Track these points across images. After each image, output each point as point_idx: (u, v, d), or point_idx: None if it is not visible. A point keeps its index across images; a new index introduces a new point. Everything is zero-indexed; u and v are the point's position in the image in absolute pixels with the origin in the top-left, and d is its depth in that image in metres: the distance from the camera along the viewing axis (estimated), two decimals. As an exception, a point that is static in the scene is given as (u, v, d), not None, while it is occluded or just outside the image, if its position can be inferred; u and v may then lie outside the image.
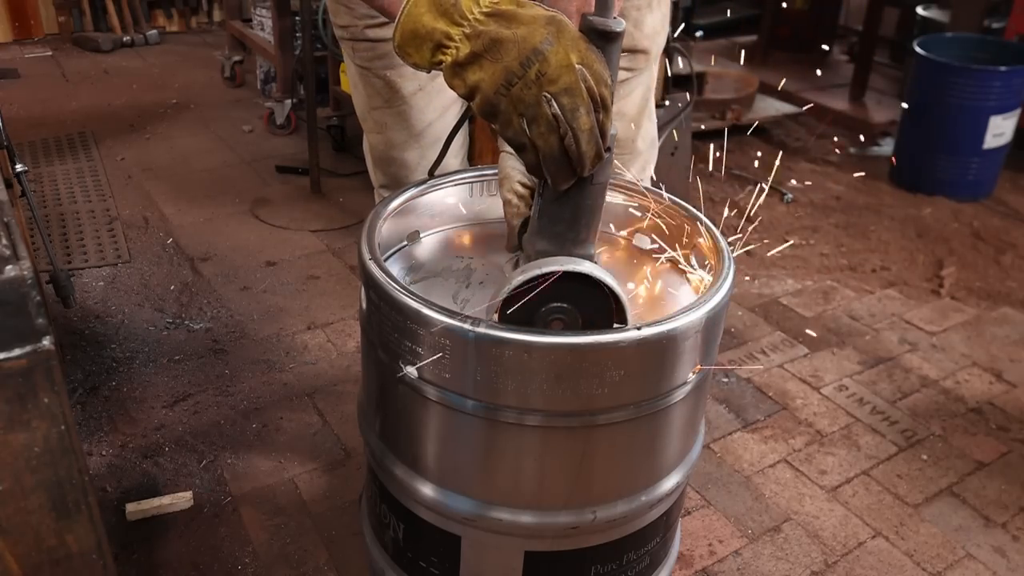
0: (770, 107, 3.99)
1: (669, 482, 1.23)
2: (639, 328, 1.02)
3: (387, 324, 1.08)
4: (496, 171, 1.19)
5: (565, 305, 1.03)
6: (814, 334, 2.52)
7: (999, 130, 3.36)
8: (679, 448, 1.23)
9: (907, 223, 3.24)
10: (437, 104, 1.52)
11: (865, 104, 4.26)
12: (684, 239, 1.30)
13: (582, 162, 0.95)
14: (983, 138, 3.35)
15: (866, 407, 2.25)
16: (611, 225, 1.38)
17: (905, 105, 3.47)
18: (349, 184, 3.32)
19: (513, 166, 1.16)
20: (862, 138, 3.96)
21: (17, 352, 0.78)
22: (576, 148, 0.94)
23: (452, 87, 0.97)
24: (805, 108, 4.00)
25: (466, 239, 1.37)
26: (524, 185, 1.15)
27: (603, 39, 0.95)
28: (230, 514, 1.83)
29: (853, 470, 2.04)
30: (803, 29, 4.86)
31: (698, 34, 4.55)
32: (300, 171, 3.39)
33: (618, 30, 0.96)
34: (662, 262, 1.32)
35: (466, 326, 1.01)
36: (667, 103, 3.08)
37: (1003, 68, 3.28)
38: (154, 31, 5.08)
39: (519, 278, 1.01)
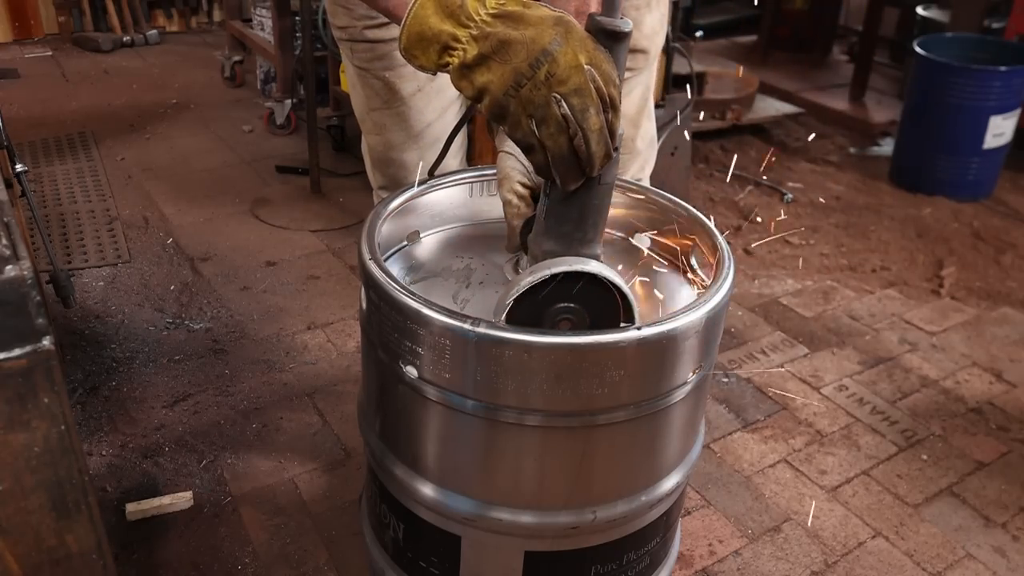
0: (770, 107, 3.99)
1: (669, 482, 1.23)
2: (639, 328, 1.02)
3: (387, 324, 1.08)
4: (496, 171, 1.19)
5: (573, 305, 1.03)
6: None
7: (999, 130, 3.36)
8: (679, 448, 1.23)
9: (907, 223, 3.24)
10: (436, 105, 1.52)
11: (865, 104, 4.26)
12: (684, 239, 1.30)
13: (591, 162, 0.95)
14: (983, 138, 3.35)
15: (866, 407, 2.25)
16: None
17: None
18: (349, 184, 3.32)
19: (512, 166, 1.15)
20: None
21: (17, 352, 0.78)
22: (586, 148, 0.94)
23: (459, 89, 0.97)
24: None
25: (466, 239, 1.37)
26: (524, 185, 1.15)
27: (611, 39, 0.95)
28: (230, 514, 1.83)
29: (853, 470, 2.04)
30: (803, 29, 4.86)
31: (698, 34, 4.54)
32: (300, 171, 3.39)
33: (626, 30, 0.96)
34: (662, 262, 1.32)
35: (466, 326, 1.01)
36: (667, 103, 3.09)
37: (1003, 68, 3.28)
38: (154, 31, 5.08)
39: (528, 278, 1.01)
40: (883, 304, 2.73)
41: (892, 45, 4.80)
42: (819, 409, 2.24)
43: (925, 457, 2.09)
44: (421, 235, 1.35)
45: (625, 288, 1.03)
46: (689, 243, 1.29)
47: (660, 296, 1.24)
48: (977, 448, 2.13)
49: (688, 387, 1.13)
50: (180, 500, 1.82)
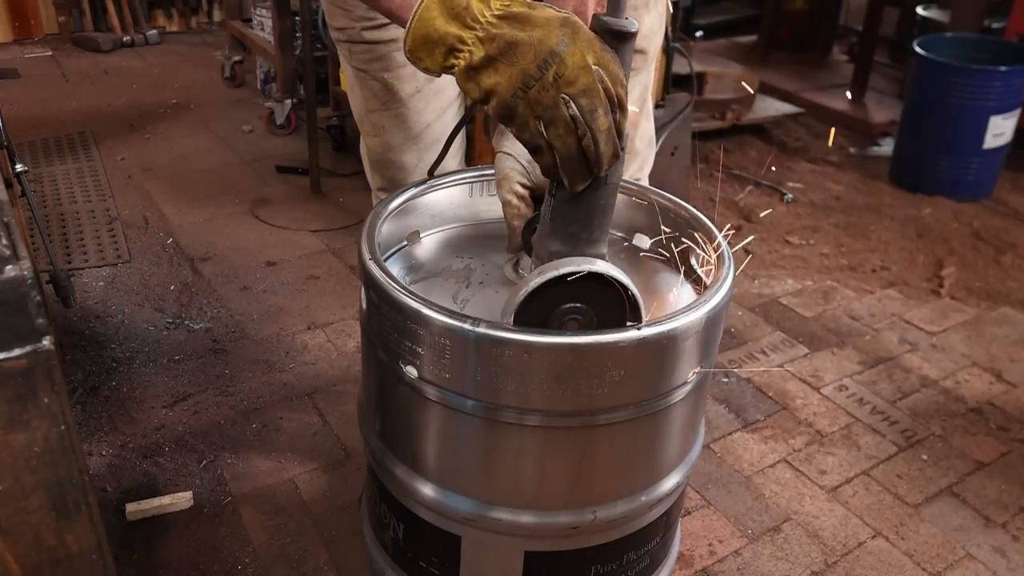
0: (770, 107, 3.99)
1: (669, 482, 1.23)
2: (639, 328, 1.02)
3: (387, 324, 1.08)
4: (494, 172, 1.19)
5: (581, 305, 1.03)
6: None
7: (999, 130, 3.36)
8: (679, 448, 1.23)
9: (907, 223, 3.24)
10: (435, 106, 1.52)
11: (865, 104, 4.26)
12: (683, 239, 1.30)
13: (599, 162, 0.95)
14: (983, 138, 3.35)
15: (866, 407, 2.25)
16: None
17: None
18: (349, 184, 3.32)
19: (511, 167, 1.15)
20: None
21: (17, 352, 0.78)
22: (594, 148, 0.94)
23: (465, 91, 0.96)
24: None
25: (466, 239, 1.37)
26: (523, 186, 1.15)
27: (617, 39, 0.95)
28: (230, 514, 1.83)
29: (853, 470, 2.04)
30: (803, 29, 4.86)
31: (698, 34, 4.54)
32: (300, 171, 3.39)
33: (632, 30, 0.96)
34: (662, 262, 1.32)
35: (466, 326, 1.01)
36: (667, 103, 3.09)
37: (1003, 68, 3.28)
38: (154, 31, 5.08)
39: (536, 279, 1.01)
40: (883, 304, 2.73)
41: (892, 45, 4.80)
42: (819, 409, 2.24)
43: (925, 457, 2.09)
44: (421, 235, 1.35)
45: (632, 287, 1.04)
46: (689, 243, 1.29)
47: (660, 296, 1.24)
48: (977, 448, 2.13)
49: (688, 387, 1.13)
50: (180, 500, 1.82)
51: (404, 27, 0.98)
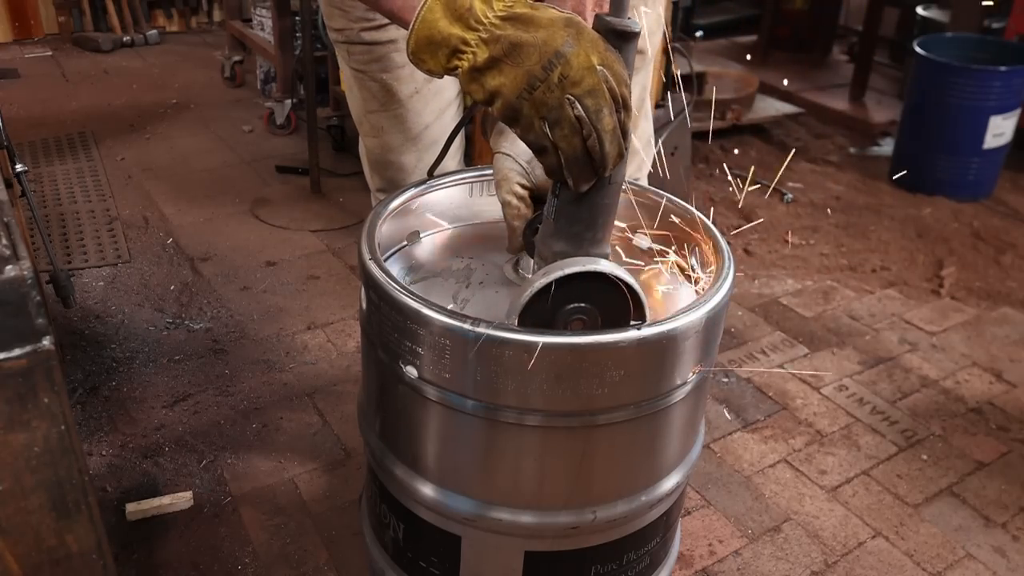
0: (770, 107, 3.99)
1: (669, 482, 1.23)
2: (639, 328, 1.02)
3: (387, 324, 1.08)
4: (492, 172, 1.19)
5: (586, 305, 1.03)
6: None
7: (999, 130, 3.36)
8: (679, 448, 1.23)
9: (907, 223, 3.24)
10: (434, 107, 1.51)
11: (865, 104, 4.26)
12: (683, 239, 1.30)
13: (605, 162, 0.95)
14: (983, 138, 3.35)
15: (866, 407, 2.25)
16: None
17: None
18: (349, 184, 3.32)
19: (510, 167, 1.15)
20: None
21: (17, 352, 0.78)
22: (600, 149, 0.94)
23: (469, 92, 0.96)
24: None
25: (466, 239, 1.37)
26: (523, 186, 1.15)
27: (620, 39, 0.95)
28: (230, 514, 1.83)
29: (853, 470, 2.04)
30: (803, 29, 4.86)
31: (698, 34, 4.54)
32: (300, 171, 3.39)
33: (636, 30, 0.96)
34: (662, 262, 1.32)
35: (466, 326, 1.01)
36: (667, 103, 3.09)
37: (1003, 68, 3.28)
38: (154, 31, 5.08)
39: (541, 280, 1.01)
40: (883, 304, 2.73)
41: (892, 45, 4.80)
42: (819, 409, 2.24)
43: (925, 457, 2.09)
44: (421, 235, 1.35)
45: (637, 287, 1.04)
46: (688, 243, 1.29)
47: (660, 296, 1.24)
48: (977, 448, 2.13)
49: (688, 387, 1.13)
50: (180, 500, 1.82)
51: (405, 28, 0.97)
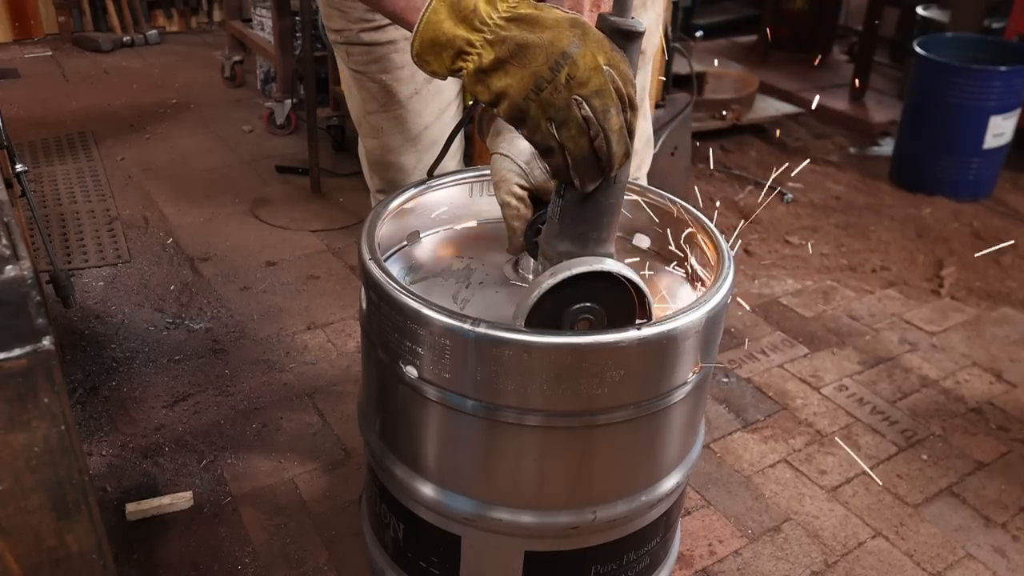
0: (770, 107, 3.99)
1: (669, 482, 1.23)
2: (639, 328, 1.02)
3: (387, 324, 1.08)
4: (490, 173, 1.19)
5: (593, 305, 1.03)
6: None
7: (999, 130, 3.36)
8: (679, 448, 1.23)
9: (907, 223, 3.24)
10: (434, 107, 1.51)
11: (865, 104, 4.26)
12: (684, 239, 1.30)
13: (611, 162, 0.95)
14: (983, 138, 3.35)
15: (866, 407, 2.25)
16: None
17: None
18: (349, 184, 3.32)
19: (509, 168, 1.15)
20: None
21: (17, 352, 0.78)
22: (607, 149, 0.94)
23: (475, 93, 0.96)
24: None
25: (466, 239, 1.37)
26: (521, 187, 1.15)
27: (625, 39, 0.96)
28: (230, 514, 1.83)
29: (853, 470, 2.04)
30: (803, 29, 4.86)
31: (698, 34, 4.54)
32: (300, 171, 3.39)
33: (640, 30, 0.96)
34: (661, 262, 1.32)
35: (466, 326, 1.01)
36: (667, 103, 3.09)
37: (1003, 68, 3.28)
38: (154, 31, 5.08)
39: (549, 280, 1.01)
40: (883, 304, 2.73)
41: (892, 45, 4.80)
42: (819, 409, 2.24)
43: (925, 457, 2.09)
44: (421, 235, 1.35)
45: (643, 286, 1.04)
46: (688, 243, 1.29)
47: (660, 296, 1.24)
48: (977, 448, 2.13)
49: (688, 387, 1.13)
50: (180, 500, 1.82)
51: (409, 30, 0.97)
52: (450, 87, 1.53)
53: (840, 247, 3.05)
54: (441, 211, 1.37)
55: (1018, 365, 2.46)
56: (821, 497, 1.95)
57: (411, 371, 1.09)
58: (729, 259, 1.17)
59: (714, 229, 1.24)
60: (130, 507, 1.79)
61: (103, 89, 4.33)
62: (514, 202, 1.14)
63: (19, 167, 1.79)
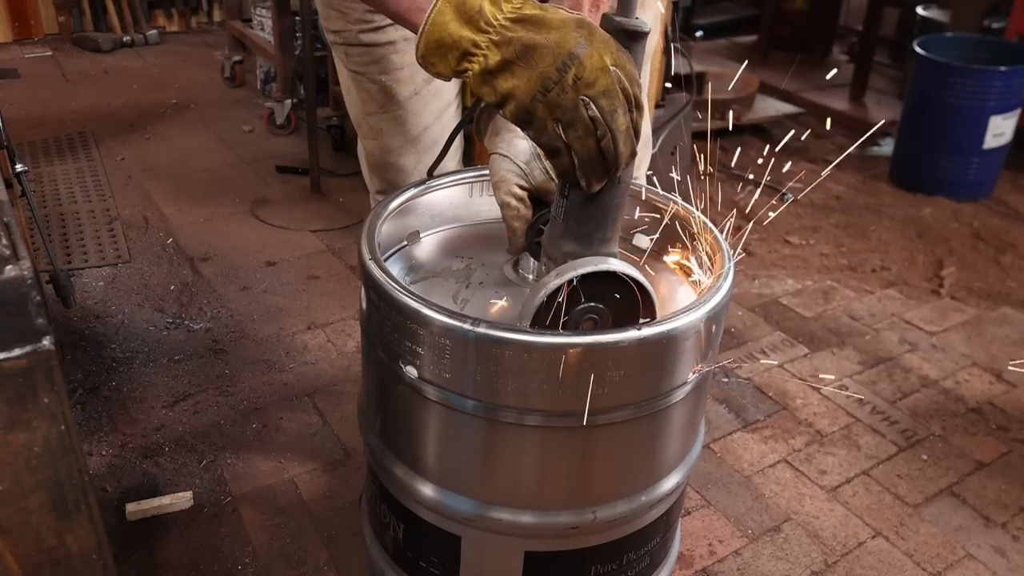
0: (770, 107, 3.99)
1: (669, 482, 1.23)
2: (639, 328, 1.02)
3: (387, 324, 1.08)
4: (488, 173, 1.18)
5: (598, 305, 1.03)
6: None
7: (999, 130, 3.36)
8: (679, 448, 1.23)
9: (907, 223, 3.24)
10: (433, 108, 1.51)
11: (865, 104, 4.26)
12: (683, 239, 1.30)
13: (618, 162, 0.95)
14: (983, 138, 3.35)
15: (866, 407, 2.25)
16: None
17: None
18: (349, 184, 3.32)
19: (508, 168, 1.15)
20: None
21: (17, 352, 0.78)
22: (613, 149, 0.94)
23: (480, 95, 0.95)
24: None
25: (466, 239, 1.37)
26: (521, 187, 1.14)
27: (630, 39, 0.96)
28: (230, 514, 1.83)
29: (853, 470, 2.04)
30: (803, 29, 4.85)
31: (698, 34, 4.54)
32: (300, 171, 3.39)
33: (645, 30, 0.96)
34: (661, 262, 1.32)
35: (466, 326, 1.01)
36: (667, 103, 3.08)
37: (1003, 68, 3.28)
38: (154, 31, 5.08)
39: (555, 281, 1.01)
40: (883, 304, 2.73)
41: (892, 45, 4.80)
42: (819, 409, 2.24)
43: (925, 457, 2.09)
44: (421, 235, 1.35)
45: (648, 286, 1.04)
46: (688, 243, 1.29)
47: (660, 296, 1.24)
48: (977, 448, 2.13)
49: (688, 387, 1.13)
50: (180, 500, 1.82)
51: (413, 31, 0.97)
52: (449, 88, 1.53)
53: (840, 247, 3.05)
54: (441, 211, 1.37)
55: (1018, 365, 2.46)
56: (821, 497, 1.95)
57: (411, 371, 1.09)
58: (729, 259, 1.17)
59: (714, 229, 1.24)
60: (130, 507, 1.79)
61: (103, 89, 4.33)
62: (514, 202, 1.14)
63: (19, 167, 1.79)
